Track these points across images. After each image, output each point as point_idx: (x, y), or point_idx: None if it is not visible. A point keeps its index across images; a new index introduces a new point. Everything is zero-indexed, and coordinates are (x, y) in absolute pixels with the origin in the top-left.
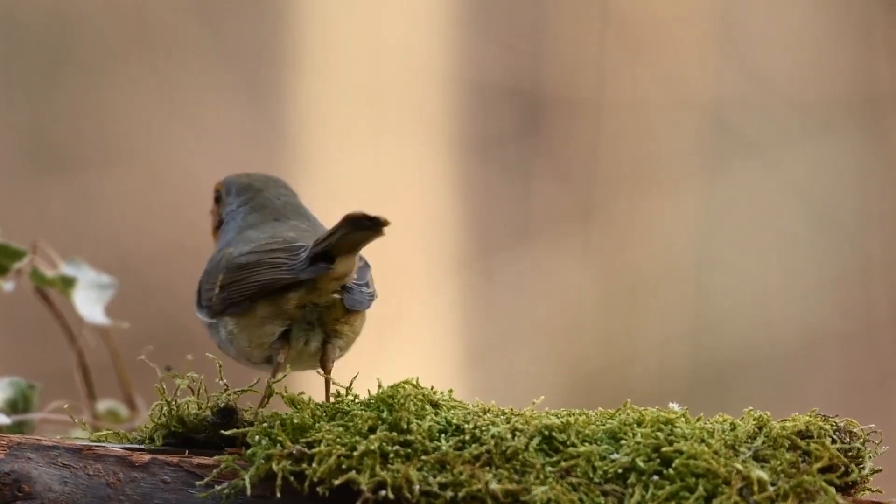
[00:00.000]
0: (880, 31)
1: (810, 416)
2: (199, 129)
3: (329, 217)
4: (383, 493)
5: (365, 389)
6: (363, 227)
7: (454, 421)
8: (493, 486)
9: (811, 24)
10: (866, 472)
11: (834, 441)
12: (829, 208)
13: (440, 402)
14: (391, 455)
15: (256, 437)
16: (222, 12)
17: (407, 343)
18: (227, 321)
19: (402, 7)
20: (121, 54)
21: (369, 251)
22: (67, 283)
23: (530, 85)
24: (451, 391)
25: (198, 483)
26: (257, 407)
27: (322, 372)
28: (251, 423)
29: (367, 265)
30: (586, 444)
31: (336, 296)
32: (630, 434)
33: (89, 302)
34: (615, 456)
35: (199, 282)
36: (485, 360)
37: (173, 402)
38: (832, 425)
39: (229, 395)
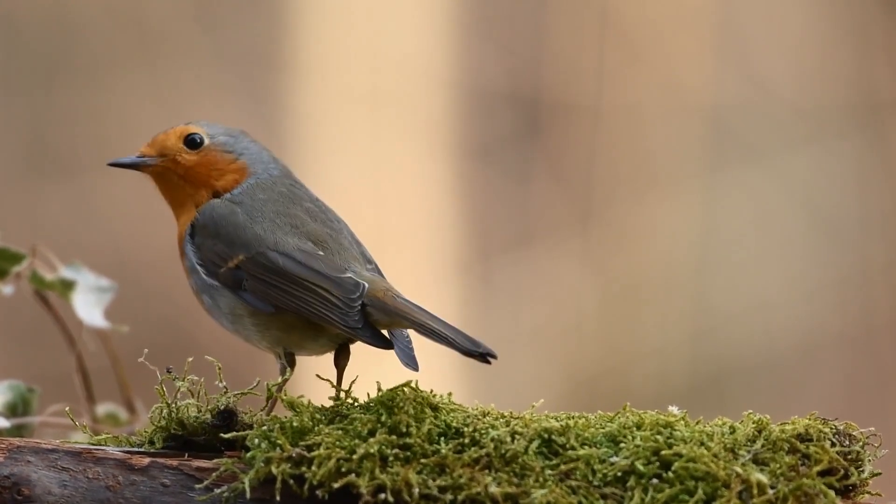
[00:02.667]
0: (879, 35)
1: (810, 420)
2: None
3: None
4: (383, 496)
5: (364, 393)
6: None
7: (453, 424)
8: (493, 489)
9: (810, 28)
10: (866, 475)
11: (833, 444)
12: (828, 212)
13: (439, 405)
14: (391, 458)
15: (256, 441)
16: (221, 16)
17: None
18: (237, 307)
19: (401, 11)
20: (119, 58)
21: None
22: (67, 286)
23: (530, 90)
24: (450, 394)
25: (197, 486)
26: (266, 412)
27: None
28: (251, 426)
29: None
30: (586, 447)
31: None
32: (629, 437)
33: (89, 305)
34: (615, 459)
35: (196, 224)
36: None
37: (173, 405)
38: (832, 428)
39: (229, 397)
